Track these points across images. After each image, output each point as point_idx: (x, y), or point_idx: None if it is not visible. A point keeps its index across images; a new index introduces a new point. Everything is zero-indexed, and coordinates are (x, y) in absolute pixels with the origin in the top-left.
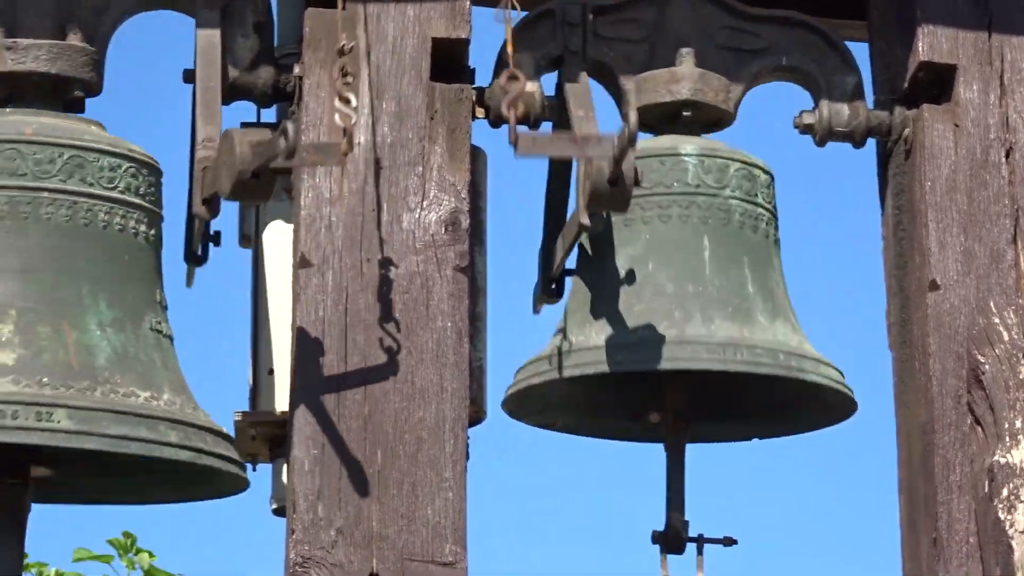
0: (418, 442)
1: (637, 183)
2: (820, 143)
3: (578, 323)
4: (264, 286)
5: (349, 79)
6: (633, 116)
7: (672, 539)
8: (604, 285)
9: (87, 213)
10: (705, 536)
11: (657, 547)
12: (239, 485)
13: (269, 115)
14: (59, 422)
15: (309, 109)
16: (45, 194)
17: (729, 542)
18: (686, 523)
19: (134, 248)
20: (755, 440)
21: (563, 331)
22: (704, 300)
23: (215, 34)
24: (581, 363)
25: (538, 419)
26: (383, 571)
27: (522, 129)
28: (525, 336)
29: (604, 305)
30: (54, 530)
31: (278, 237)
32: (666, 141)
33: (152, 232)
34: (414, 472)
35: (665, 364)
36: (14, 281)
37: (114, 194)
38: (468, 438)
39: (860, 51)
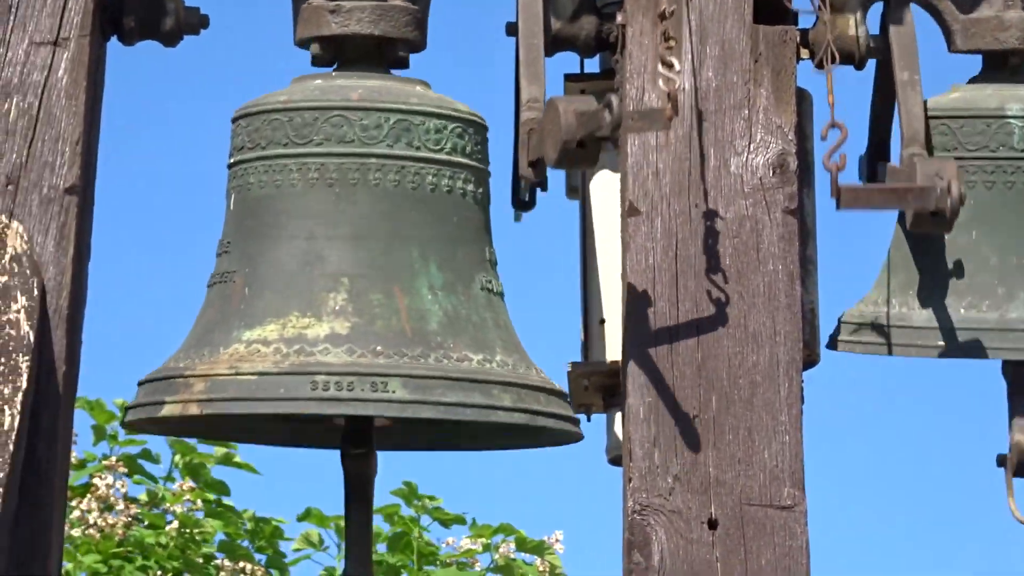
0: (752, 386)
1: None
2: None
3: (901, 285)
4: (592, 237)
5: (671, 43)
6: (955, 188)
7: (1019, 462)
8: (927, 247)
9: (415, 177)
10: None
11: (1002, 470)
12: (573, 438)
13: (592, 65)
14: (394, 392)
15: (633, 58)
16: (373, 160)
17: None
18: None
19: (462, 209)
20: None
21: (887, 286)
22: None
23: None
24: (904, 343)
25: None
26: (721, 516)
27: (846, 182)
28: (854, 279)
29: (928, 270)
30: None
31: (605, 187)
32: (992, 100)
33: (480, 190)
34: (749, 417)
35: (991, 354)
36: (346, 248)
37: (441, 156)
38: (803, 381)
39: None
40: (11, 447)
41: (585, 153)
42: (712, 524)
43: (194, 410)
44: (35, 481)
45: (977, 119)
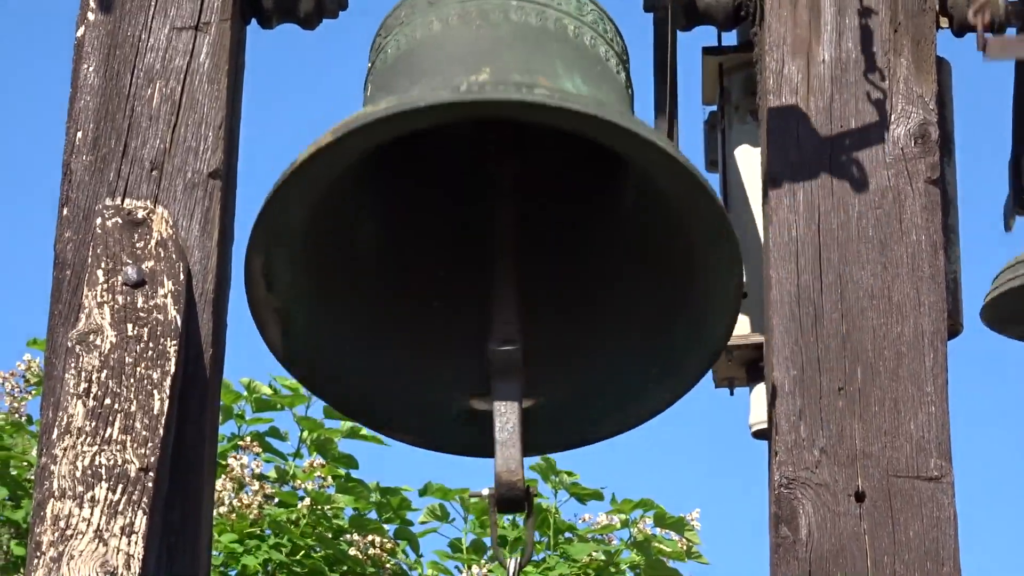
0: (898, 357)
1: None
2: None
3: None
4: (734, 209)
5: None
6: None
7: None
8: None
9: (556, 22)
10: None
11: None
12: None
13: (730, 39)
14: (539, 92)
15: (771, 30)
16: (514, 2)
17: None
18: None
19: (605, 68)
20: None
21: None
22: None
23: None
24: None
25: (1018, 331)
26: (868, 489)
27: (989, 35)
28: (997, 249)
29: None
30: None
31: (745, 160)
32: None
33: (623, 73)
34: (895, 388)
35: None
36: (487, 54)
37: (584, 20)
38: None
39: None
40: (161, 431)
41: None
42: (859, 496)
43: (327, 139)
44: (184, 464)
45: None
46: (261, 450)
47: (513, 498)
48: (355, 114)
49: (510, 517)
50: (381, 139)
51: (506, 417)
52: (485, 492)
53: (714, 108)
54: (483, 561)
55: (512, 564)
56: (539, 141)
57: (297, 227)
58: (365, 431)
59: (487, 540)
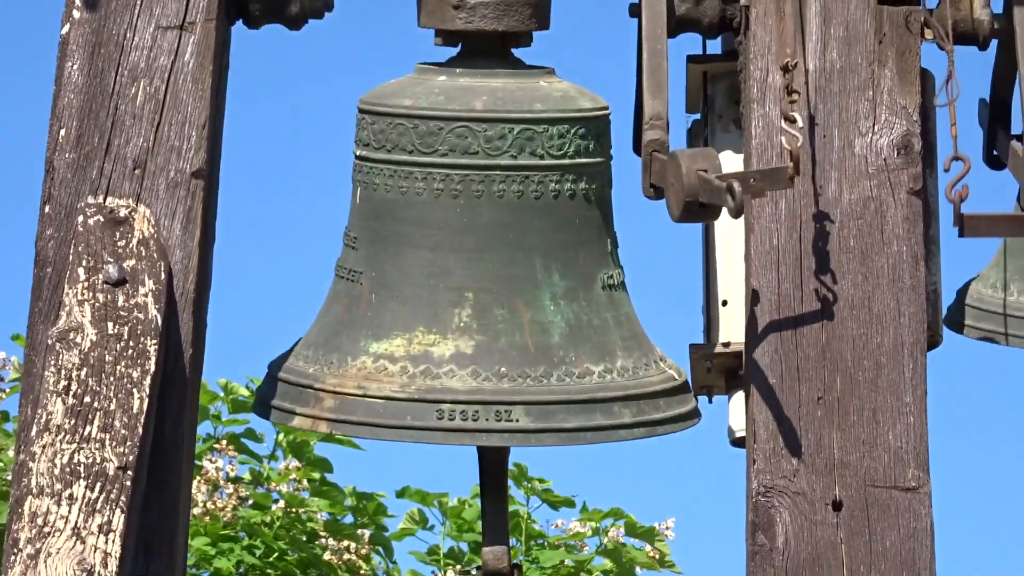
0: (877, 367)
1: None
2: None
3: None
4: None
5: (795, 97)
6: None
7: None
8: None
9: (538, 186)
10: None
11: None
12: (690, 426)
13: (715, 47)
14: (517, 421)
15: (756, 39)
16: (497, 172)
17: None
18: None
19: (584, 210)
20: None
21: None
22: None
23: None
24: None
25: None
26: (846, 498)
27: (969, 210)
28: (977, 261)
29: None
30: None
31: (729, 168)
32: None
33: (601, 183)
34: (874, 398)
35: None
36: (470, 261)
37: (564, 161)
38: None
39: None
40: (140, 430)
41: (708, 212)
42: (836, 506)
43: (323, 428)
44: (162, 464)
45: None
46: (236, 452)
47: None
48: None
49: None
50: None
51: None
52: (473, 571)
53: (698, 116)
54: (459, 568)
55: None
56: None
57: None
58: (341, 435)
59: (463, 545)
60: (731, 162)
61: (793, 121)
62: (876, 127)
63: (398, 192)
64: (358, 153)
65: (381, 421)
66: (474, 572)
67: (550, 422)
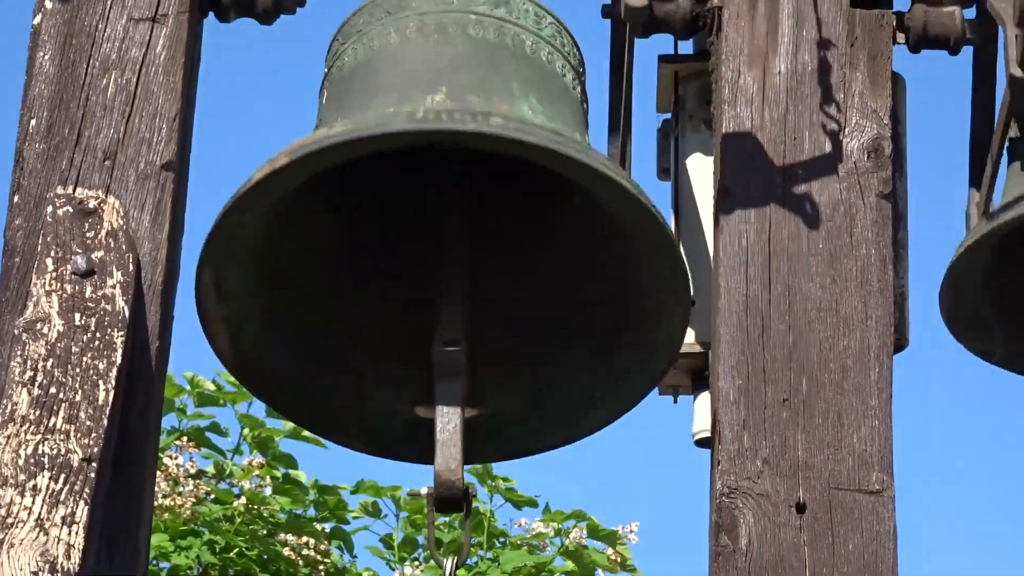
0: (843, 370)
1: None
2: None
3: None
4: (684, 218)
5: None
6: None
7: None
8: None
9: (514, 38)
10: None
11: None
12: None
13: (686, 47)
14: (495, 122)
15: (728, 40)
16: (472, 16)
17: None
18: None
19: (561, 84)
20: None
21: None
22: None
23: None
24: None
25: (976, 345)
26: (809, 500)
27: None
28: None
29: None
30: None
31: (698, 169)
32: None
33: (578, 87)
34: (839, 400)
35: None
36: (444, 72)
37: (541, 33)
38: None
39: None
40: (106, 422)
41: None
42: (800, 508)
43: (282, 160)
44: (127, 456)
45: None
46: (200, 447)
47: (451, 498)
48: (311, 137)
49: (446, 518)
50: (335, 162)
51: (447, 418)
52: (424, 491)
53: (668, 116)
54: (415, 560)
55: (449, 564)
56: (492, 160)
57: (249, 241)
58: (306, 432)
59: (420, 539)
60: (701, 164)
61: None
62: (847, 130)
63: (370, 51)
64: (331, 51)
65: (368, 132)
66: (424, 491)
67: (528, 134)
